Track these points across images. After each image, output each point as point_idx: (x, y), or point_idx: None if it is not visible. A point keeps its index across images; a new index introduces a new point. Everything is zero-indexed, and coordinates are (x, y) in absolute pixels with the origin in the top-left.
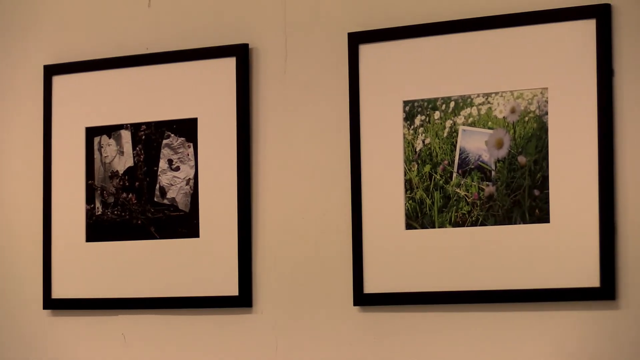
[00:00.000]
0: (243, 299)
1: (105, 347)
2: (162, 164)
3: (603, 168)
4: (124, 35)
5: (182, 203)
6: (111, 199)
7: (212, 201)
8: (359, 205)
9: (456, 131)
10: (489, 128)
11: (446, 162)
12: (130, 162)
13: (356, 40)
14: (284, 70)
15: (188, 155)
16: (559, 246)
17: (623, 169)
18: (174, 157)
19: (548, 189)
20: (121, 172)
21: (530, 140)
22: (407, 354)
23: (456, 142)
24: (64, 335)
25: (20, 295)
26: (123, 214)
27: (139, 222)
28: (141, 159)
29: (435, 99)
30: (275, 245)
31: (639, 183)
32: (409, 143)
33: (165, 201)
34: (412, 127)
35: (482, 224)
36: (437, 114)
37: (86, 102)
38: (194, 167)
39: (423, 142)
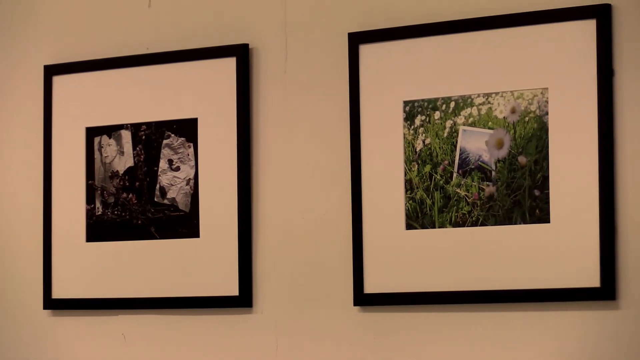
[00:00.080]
0: (243, 299)
1: (106, 347)
2: (163, 164)
3: (603, 168)
4: (124, 35)
5: (183, 203)
6: (111, 199)
7: (212, 201)
8: (359, 205)
9: (456, 131)
10: (489, 128)
11: (446, 162)
12: (130, 162)
13: (356, 40)
14: (284, 70)
15: (188, 155)
16: (559, 246)
17: (623, 169)
18: (174, 157)
19: (548, 189)
20: (121, 172)
21: (531, 141)
22: (407, 354)
23: (456, 142)
24: (64, 335)
25: (20, 295)
26: (123, 214)
27: (139, 222)
28: (141, 159)
29: (436, 99)
30: (275, 245)
31: (639, 183)
32: (409, 143)
33: (166, 201)
34: (412, 127)
35: (483, 224)
36: (437, 114)
37: (86, 102)
38: (194, 167)
39: (423, 142)
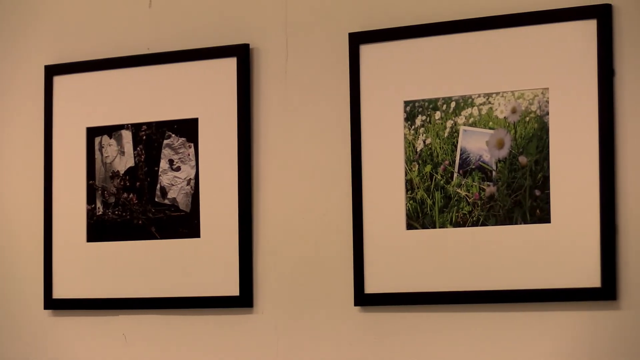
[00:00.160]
0: (244, 299)
1: (106, 347)
2: (163, 164)
3: (604, 168)
4: (125, 35)
5: (183, 203)
6: (112, 199)
7: (212, 201)
8: (360, 205)
9: (457, 131)
10: (490, 128)
11: (447, 162)
12: (131, 162)
13: (357, 40)
14: (285, 71)
15: (189, 155)
16: (559, 246)
17: (624, 169)
18: (175, 157)
19: (549, 189)
20: (122, 172)
21: (531, 141)
22: (407, 354)
23: (457, 142)
24: (65, 335)
25: (21, 295)
26: (124, 214)
27: (140, 222)
28: (142, 159)
29: (436, 99)
30: (276, 245)
31: (639, 183)
32: (409, 143)
33: (166, 201)
34: (412, 127)
35: (483, 224)
36: (438, 114)
37: (87, 102)
38: (195, 167)
39: (424, 142)
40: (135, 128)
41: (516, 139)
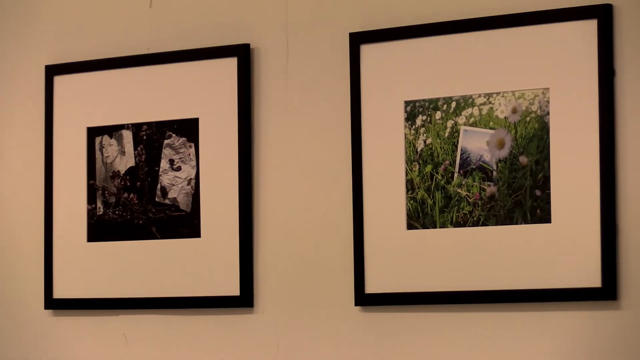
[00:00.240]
0: (244, 299)
1: (107, 347)
2: (164, 164)
3: (604, 168)
4: (126, 35)
5: (184, 203)
6: (112, 199)
7: (213, 201)
8: (360, 205)
9: (457, 131)
10: (491, 128)
11: (447, 162)
12: (131, 162)
13: (357, 40)
14: (285, 71)
15: (189, 155)
16: (560, 246)
17: (624, 169)
18: (175, 157)
19: (549, 189)
20: (122, 172)
21: (532, 141)
22: (408, 354)
23: (457, 142)
24: (65, 335)
25: (21, 295)
26: (124, 214)
27: (140, 222)
28: (142, 159)
29: (437, 99)
30: (276, 245)
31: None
32: (410, 143)
33: (167, 201)
34: (413, 127)
35: (484, 224)
36: (438, 114)
37: (87, 102)
38: (195, 167)
39: (424, 142)
40: (136, 128)
41: (517, 139)
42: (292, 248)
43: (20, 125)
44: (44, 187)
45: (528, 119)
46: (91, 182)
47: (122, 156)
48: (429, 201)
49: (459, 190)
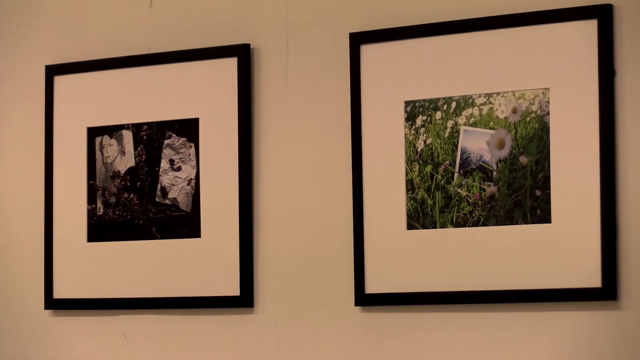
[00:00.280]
0: (244, 299)
1: (107, 347)
2: (164, 164)
3: (604, 168)
4: (126, 35)
5: (184, 203)
6: (112, 199)
7: (213, 201)
8: (360, 205)
9: (458, 131)
10: (491, 128)
11: (447, 162)
12: (131, 162)
13: (358, 40)
14: (286, 71)
15: (189, 155)
16: (560, 246)
17: (624, 169)
18: (176, 157)
19: (549, 189)
20: (122, 172)
21: (532, 141)
22: (408, 354)
23: (457, 143)
24: (65, 336)
25: (21, 296)
26: (124, 214)
27: (141, 222)
28: (142, 159)
29: (437, 99)
30: (276, 245)
31: None
32: (410, 143)
33: (167, 201)
34: (413, 127)
35: (484, 224)
36: (438, 114)
37: (88, 102)
38: (196, 167)
39: (424, 142)
40: (136, 128)
41: (517, 139)
42: (292, 248)
43: (21, 125)
44: (44, 187)
45: (528, 119)
46: (91, 182)
47: (122, 156)
48: (429, 201)
49: (459, 191)
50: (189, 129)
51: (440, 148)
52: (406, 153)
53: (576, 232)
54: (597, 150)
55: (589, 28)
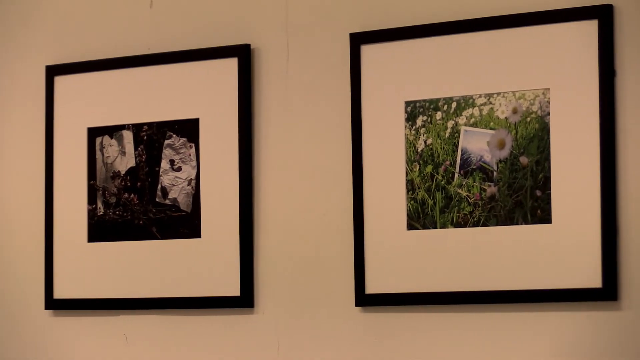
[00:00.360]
0: (245, 300)
1: (107, 348)
2: (164, 164)
3: (605, 169)
4: (126, 35)
5: (184, 203)
6: (113, 199)
7: (213, 201)
8: (361, 205)
9: (458, 132)
10: (491, 128)
11: (448, 162)
12: (132, 163)
13: (358, 40)
14: (286, 71)
15: (190, 155)
16: (560, 247)
17: (625, 169)
18: (176, 158)
19: (550, 189)
20: (123, 172)
21: (532, 141)
22: (408, 355)
23: (458, 143)
24: (66, 336)
25: (21, 296)
26: (125, 214)
27: (141, 222)
28: (143, 159)
29: (437, 100)
30: (276, 245)
31: None
32: (410, 143)
33: (167, 201)
34: (413, 127)
35: (484, 225)
36: (438, 115)
37: (88, 102)
38: (196, 167)
39: (425, 142)
40: (136, 128)
41: (517, 140)
42: (292, 248)
43: (21, 126)
44: (44, 187)
45: (528, 119)
46: (92, 182)
47: (122, 156)
48: (430, 201)
49: (460, 191)
50: (189, 129)
51: (441, 148)
52: (406, 153)
53: (576, 232)
54: (598, 151)
55: (590, 28)
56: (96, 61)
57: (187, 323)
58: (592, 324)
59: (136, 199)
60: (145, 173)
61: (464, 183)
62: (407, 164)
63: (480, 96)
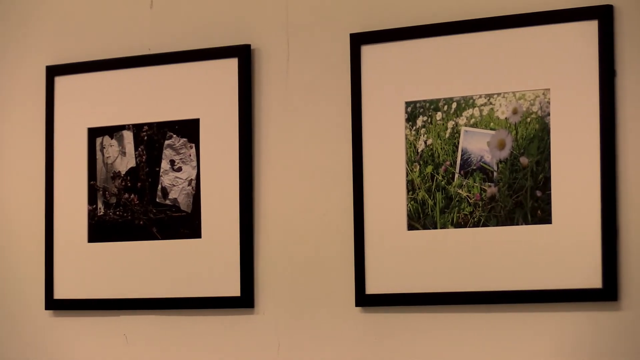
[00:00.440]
0: (245, 300)
1: (107, 348)
2: (164, 165)
3: (605, 169)
4: (126, 36)
5: (184, 204)
6: (113, 200)
7: (214, 202)
8: (361, 205)
9: (458, 132)
10: (491, 129)
11: (448, 163)
12: (132, 163)
13: (358, 41)
14: (286, 71)
15: (190, 155)
16: (561, 247)
17: (625, 169)
18: (176, 158)
19: (550, 189)
20: (123, 172)
21: (532, 141)
22: (408, 355)
23: (458, 143)
24: (66, 336)
25: (22, 296)
26: (125, 214)
27: (141, 222)
28: (143, 160)
29: (438, 100)
30: (277, 245)
31: None
32: (410, 144)
33: (167, 202)
34: (414, 127)
35: (484, 225)
36: (439, 115)
37: (88, 102)
38: (196, 167)
39: (425, 143)
40: (137, 128)
41: (517, 140)
42: (292, 248)
43: (21, 126)
44: (44, 187)
45: (529, 119)
46: (92, 182)
47: (122, 157)
48: (430, 202)
49: (460, 191)
50: (189, 129)
51: (441, 149)
52: (407, 154)
53: (577, 232)
54: (598, 151)
55: (590, 29)
56: (96, 61)
57: (187, 323)
58: (592, 324)
59: (136, 199)
60: (146, 173)
61: (464, 183)
62: (408, 165)
63: (480, 96)
